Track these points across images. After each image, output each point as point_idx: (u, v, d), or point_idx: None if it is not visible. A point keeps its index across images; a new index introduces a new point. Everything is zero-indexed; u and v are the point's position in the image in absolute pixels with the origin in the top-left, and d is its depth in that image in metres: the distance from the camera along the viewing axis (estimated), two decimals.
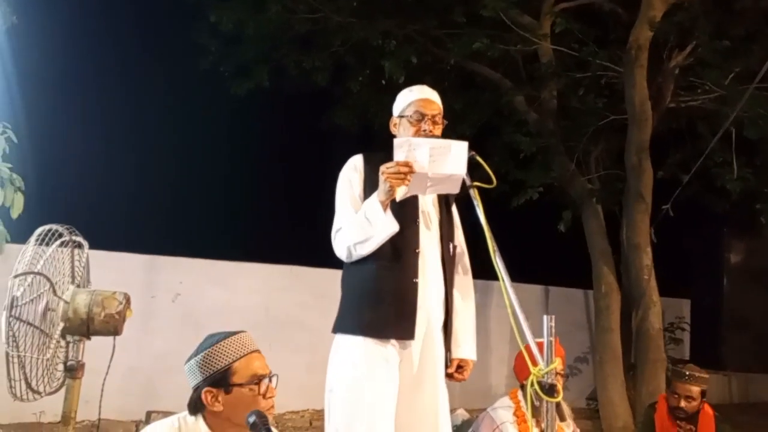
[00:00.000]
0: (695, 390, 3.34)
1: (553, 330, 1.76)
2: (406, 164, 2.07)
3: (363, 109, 7.58)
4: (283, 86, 7.54)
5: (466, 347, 2.47)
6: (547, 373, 1.74)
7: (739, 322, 9.26)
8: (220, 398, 1.78)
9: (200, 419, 1.81)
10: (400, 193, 2.18)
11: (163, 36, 7.76)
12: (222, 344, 1.82)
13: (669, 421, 3.48)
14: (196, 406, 1.82)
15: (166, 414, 5.22)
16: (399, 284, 2.27)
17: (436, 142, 2.13)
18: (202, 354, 1.82)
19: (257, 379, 1.79)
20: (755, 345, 8.97)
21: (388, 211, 2.17)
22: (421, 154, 2.08)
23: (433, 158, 2.08)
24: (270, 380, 1.83)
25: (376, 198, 2.17)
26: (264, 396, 1.80)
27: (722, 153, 6.28)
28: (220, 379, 1.78)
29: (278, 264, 6.27)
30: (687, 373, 3.37)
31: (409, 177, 2.08)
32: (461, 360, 2.45)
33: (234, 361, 1.79)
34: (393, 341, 2.26)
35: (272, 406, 1.82)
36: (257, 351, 1.86)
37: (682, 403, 3.34)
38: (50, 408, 4.60)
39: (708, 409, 3.49)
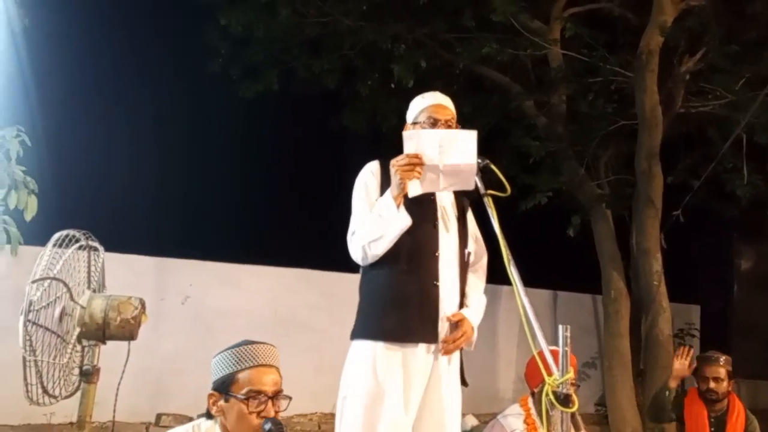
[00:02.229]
0: (722, 371, 3.55)
1: (569, 340, 1.76)
2: (416, 156, 2.09)
3: (372, 113, 7.59)
4: (292, 89, 7.57)
5: (470, 311, 2.36)
6: (562, 383, 1.73)
7: (748, 328, 9.20)
8: (219, 404, 1.78)
9: (217, 427, 1.80)
10: (415, 190, 2.17)
11: (175, 38, 7.79)
12: (237, 351, 1.81)
13: (700, 413, 3.60)
14: (208, 408, 1.83)
15: (176, 416, 5.26)
16: (420, 287, 2.27)
17: (444, 132, 2.16)
18: (218, 356, 1.83)
19: (252, 394, 1.74)
20: (765, 351, 8.90)
21: (402, 207, 2.18)
22: (429, 145, 2.09)
23: (443, 148, 2.09)
24: (271, 400, 1.76)
25: (389, 194, 2.19)
26: (258, 414, 1.73)
27: (733, 159, 6.26)
28: (222, 384, 1.79)
29: (287, 267, 6.29)
30: (713, 356, 3.65)
31: (419, 169, 2.09)
32: (460, 316, 2.31)
33: (239, 371, 1.77)
34: (415, 345, 2.24)
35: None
36: (268, 366, 1.81)
37: (712, 385, 3.54)
38: (61, 409, 4.61)
39: (738, 402, 3.64)
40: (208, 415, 1.83)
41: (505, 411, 3.15)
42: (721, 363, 3.58)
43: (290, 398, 1.82)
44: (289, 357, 5.72)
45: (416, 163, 2.08)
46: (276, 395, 1.78)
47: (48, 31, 5.91)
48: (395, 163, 2.12)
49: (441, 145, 2.08)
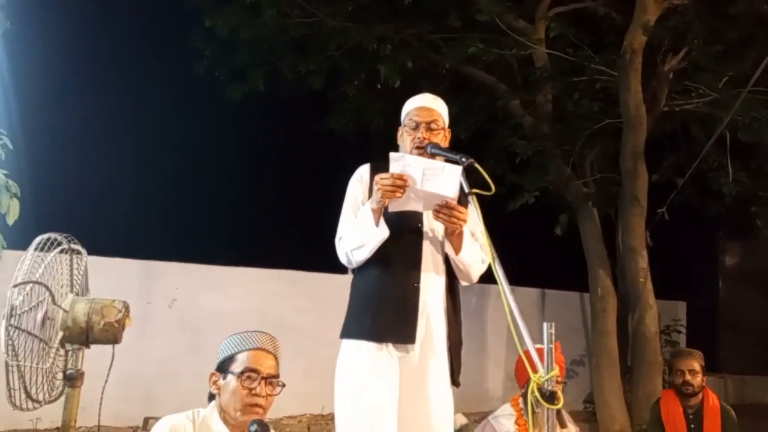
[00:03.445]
0: (696, 364, 3.59)
1: (553, 337, 1.76)
2: (401, 177, 2.11)
3: (358, 113, 7.59)
4: (278, 90, 7.55)
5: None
6: (547, 380, 1.73)
7: (734, 324, 9.30)
8: (219, 383, 1.90)
9: (214, 411, 1.88)
10: (395, 207, 2.20)
11: (159, 40, 7.75)
12: (241, 335, 1.95)
13: (676, 411, 3.63)
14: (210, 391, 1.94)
15: None
16: (400, 289, 2.29)
17: (430, 162, 2.16)
18: (225, 340, 1.96)
19: (247, 371, 1.85)
20: (751, 347, 9.00)
21: (381, 221, 2.22)
22: (414, 171, 2.11)
23: (426, 177, 2.11)
24: (264, 380, 1.86)
25: (369, 206, 2.23)
26: (250, 391, 1.83)
27: (717, 156, 6.31)
28: (222, 364, 1.92)
29: (274, 269, 6.27)
30: (685, 350, 3.78)
31: (402, 190, 2.12)
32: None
33: (239, 352, 1.91)
34: (395, 345, 2.27)
35: (257, 405, 1.84)
36: (267, 351, 1.93)
37: (688, 377, 3.57)
38: (47, 415, 4.57)
39: (712, 395, 3.66)
40: (209, 397, 1.93)
41: (496, 412, 3.13)
42: (694, 356, 3.63)
43: (284, 385, 1.91)
44: None
45: (400, 185, 2.10)
46: (270, 378, 1.88)
47: (31, 34, 5.86)
48: (379, 181, 2.14)
49: (425, 174, 2.10)
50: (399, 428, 2.22)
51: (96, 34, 7.94)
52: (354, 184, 2.45)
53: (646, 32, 5.93)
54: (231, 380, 1.85)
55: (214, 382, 1.91)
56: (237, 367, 1.87)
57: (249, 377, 1.84)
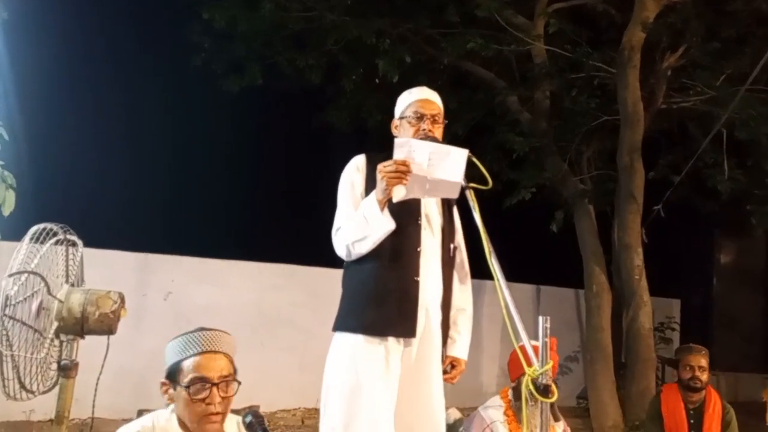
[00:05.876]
0: (704, 361, 3.63)
1: (548, 331, 1.76)
2: (404, 163, 2.06)
3: (356, 108, 7.59)
4: (276, 84, 7.53)
5: (460, 346, 2.50)
6: (542, 373, 1.74)
7: (728, 322, 9.35)
8: (170, 392, 1.77)
9: (173, 418, 1.77)
10: (399, 195, 2.17)
11: (156, 33, 7.73)
12: (184, 338, 1.80)
13: (677, 405, 3.66)
14: None
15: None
16: (400, 282, 2.27)
17: (436, 146, 2.12)
18: (169, 343, 1.82)
19: (195, 382, 1.72)
20: (744, 345, 9.07)
21: (386, 210, 2.17)
22: (420, 156, 2.07)
23: (432, 162, 2.07)
24: (216, 386, 1.72)
25: (373, 197, 2.17)
26: (203, 401, 1.71)
27: (713, 154, 6.33)
28: (170, 373, 1.78)
29: (271, 262, 6.26)
30: (694, 346, 3.74)
31: (406, 177, 2.08)
32: (454, 359, 2.46)
33: (184, 359, 1.75)
34: (395, 339, 2.26)
35: (212, 413, 1.71)
36: (213, 352, 1.77)
37: (697, 373, 3.60)
38: (40, 406, 4.57)
39: (715, 393, 3.72)
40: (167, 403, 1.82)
41: (486, 403, 3.17)
42: (703, 354, 3.66)
43: (239, 382, 1.79)
44: (273, 353, 5.66)
45: (404, 171, 2.07)
46: (222, 381, 1.74)
47: (27, 25, 5.83)
48: (382, 169, 2.10)
49: (431, 158, 2.07)
50: (396, 422, 2.22)
51: (93, 25, 7.91)
52: (351, 173, 2.39)
53: (644, 29, 5.93)
54: (181, 392, 1.72)
55: (166, 391, 1.77)
56: (184, 377, 1.72)
57: (199, 388, 1.71)
